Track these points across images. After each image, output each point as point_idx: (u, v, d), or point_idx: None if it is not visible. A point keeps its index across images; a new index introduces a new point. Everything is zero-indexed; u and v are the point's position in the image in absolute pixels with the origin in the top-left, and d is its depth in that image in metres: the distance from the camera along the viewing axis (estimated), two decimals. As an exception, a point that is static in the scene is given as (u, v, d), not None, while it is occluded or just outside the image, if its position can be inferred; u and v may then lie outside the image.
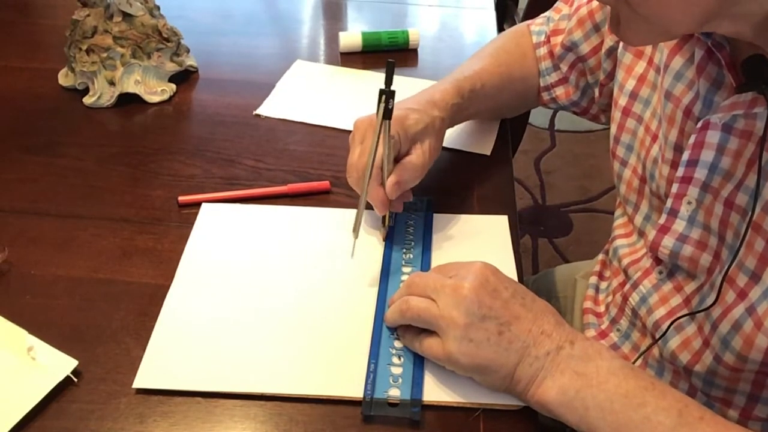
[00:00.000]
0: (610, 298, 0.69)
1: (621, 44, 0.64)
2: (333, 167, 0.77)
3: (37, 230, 0.68)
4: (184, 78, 0.91)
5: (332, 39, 1.02)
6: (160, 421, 0.51)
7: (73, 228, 0.68)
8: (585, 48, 0.72)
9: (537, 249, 1.79)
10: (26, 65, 0.93)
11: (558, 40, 0.75)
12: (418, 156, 0.65)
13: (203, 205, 0.70)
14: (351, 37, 0.98)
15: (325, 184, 0.73)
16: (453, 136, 0.81)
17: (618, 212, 0.70)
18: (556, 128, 2.17)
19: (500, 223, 0.69)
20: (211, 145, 0.80)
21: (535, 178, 1.99)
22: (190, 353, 0.56)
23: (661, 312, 0.58)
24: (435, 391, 0.53)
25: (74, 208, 0.70)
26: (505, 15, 1.58)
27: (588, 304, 0.73)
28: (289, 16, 1.12)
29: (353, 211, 0.70)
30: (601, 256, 0.76)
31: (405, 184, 0.63)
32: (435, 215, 0.70)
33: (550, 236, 1.82)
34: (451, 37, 1.08)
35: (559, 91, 0.78)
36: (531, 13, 1.43)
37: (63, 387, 0.53)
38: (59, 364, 0.54)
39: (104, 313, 0.59)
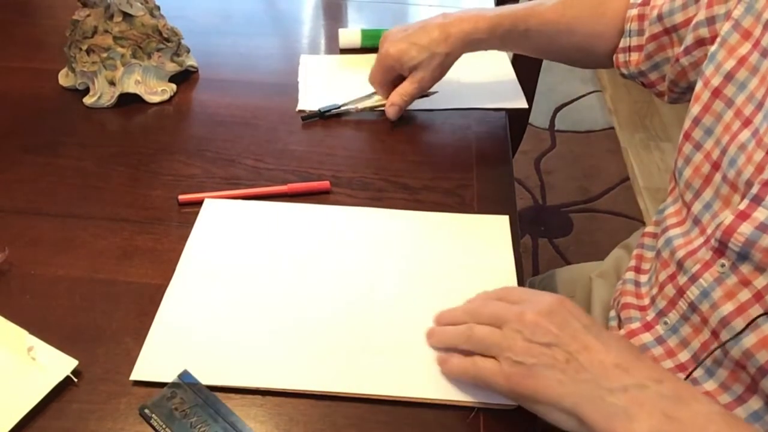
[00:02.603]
0: (655, 290, 0.66)
1: (730, 23, 0.61)
2: (333, 167, 0.77)
3: (37, 230, 0.68)
4: (184, 78, 0.91)
5: (332, 39, 1.02)
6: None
7: (73, 228, 0.68)
8: (679, 17, 0.70)
9: (537, 249, 1.79)
10: (26, 65, 0.93)
11: (658, 3, 0.73)
12: (406, 84, 0.81)
13: (206, 200, 0.70)
14: (350, 34, 0.98)
15: (325, 184, 0.73)
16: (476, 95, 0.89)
17: (669, 200, 0.68)
18: (556, 128, 2.17)
19: (501, 223, 0.69)
20: (212, 145, 0.80)
21: (535, 178, 1.99)
22: (189, 346, 0.56)
23: (728, 307, 0.55)
24: (431, 389, 0.54)
25: (74, 208, 0.70)
26: (505, 15, 1.57)
27: (628, 299, 0.70)
28: (290, 16, 1.12)
29: (357, 208, 0.71)
30: (636, 251, 0.74)
31: (396, 106, 0.82)
32: (433, 214, 0.70)
33: (550, 236, 1.82)
34: (451, 37, 1.07)
35: (634, 57, 0.77)
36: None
37: (63, 387, 0.53)
38: (59, 364, 0.54)
39: (104, 313, 0.59)
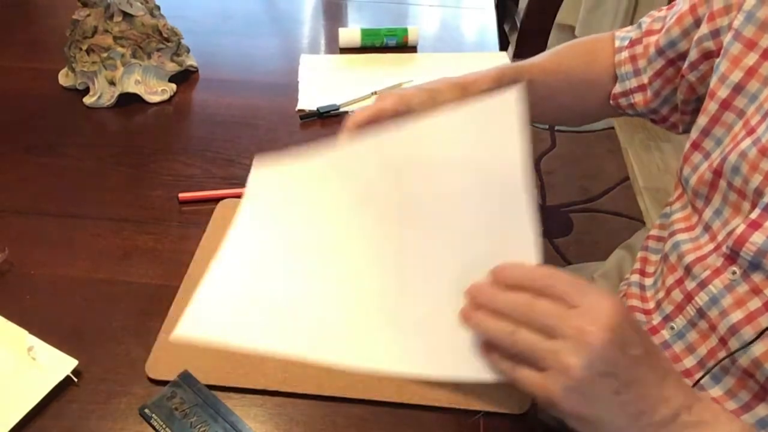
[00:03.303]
0: (661, 295, 0.66)
1: (731, 34, 0.60)
2: (333, 167, 0.77)
3: (37, 230, 0.68)
4: (184, 78, 0.91)
5: (332, 39, 1.02)
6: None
7: (73, 228, 0.68)
8: (684, 45, 0.68)
9: (537, 249, 1.79)
10: (26, 65, 0.93)
11: (651, 40, 0.72)
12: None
13: (254, 170, 0.64)
14: (350, 33, 0.98)
15: (325, 184, 0.73)
16: None
17: (678, 205, 0.67)
18: (556, 128, 2.17)
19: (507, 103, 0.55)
20: (211, 145, 0.80)
21: (535, 178, 1.99)
22: (239, 307, 0.54)
23: (738, 315, 0.54)
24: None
25: (74, 208, 0.70)
26: (505, 15, 1.58)
27: (633, 302, 0.69)
28: (290, 16, 1.12)
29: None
30: (641, 253, 0.73)
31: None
32: (446, 116, 0.58)
33: (550, 236, 1.82)
34: (451, 37, 1.08)
35: (638, 98, 0.76)
36: (531, 13, 1.43)
37: (63, 387, 0.53)
38: (59, 364, 0.54)
39: (104, 313, 0.59)
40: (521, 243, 0.50)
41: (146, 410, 0.51)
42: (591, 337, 0.43)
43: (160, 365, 0.54)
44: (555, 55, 0.78)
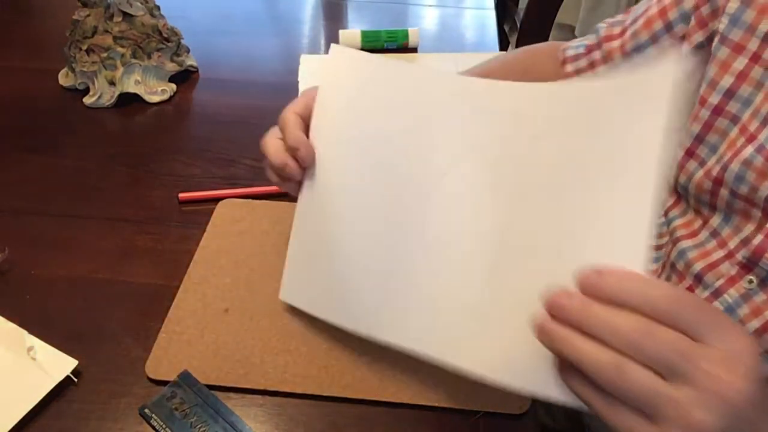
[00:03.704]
0: None
1: (717, 38, 0.59)
2: (333, 167, 0.77)
3: (37, 230, 0.68)
4: (184, 78, 0.91)
5: (332, 39, 1.02)
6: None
7: (73, 228, 0.68)
8: (653, 52, 0.66)
9: (537, 249, 1.78)
10: (26, 65, 0.93)
11: (613, 45, 0.70)
12: None
13: (333, 47, 0.57)
14: (350, 36, 0.98)
15: (325, 184, 0.73)
16: None
17: (675, 212, 0.66)
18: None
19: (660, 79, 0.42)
20: (211, 145, 0.80)
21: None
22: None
23: (754, 325, 0.54)
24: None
25: (74, 208, 0.70)
26: (505, 15, 1.58)
27: None
28: (290, 16, 1.12)
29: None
30: None
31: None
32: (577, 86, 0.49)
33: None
34: (451, 37, 1.08)
35: None
36: (531, 13, 1.43)
37: (63, 387, 0.53)
38: (59, 364, 0.54)
39: (104, 313, 0.59)
40: (629, 245, 0.39)
41: (146, 410, 0.51)
42: (729, 391, 0.35)
43: (160, 365, 0.54)
44: (479, 68, 0.76)
